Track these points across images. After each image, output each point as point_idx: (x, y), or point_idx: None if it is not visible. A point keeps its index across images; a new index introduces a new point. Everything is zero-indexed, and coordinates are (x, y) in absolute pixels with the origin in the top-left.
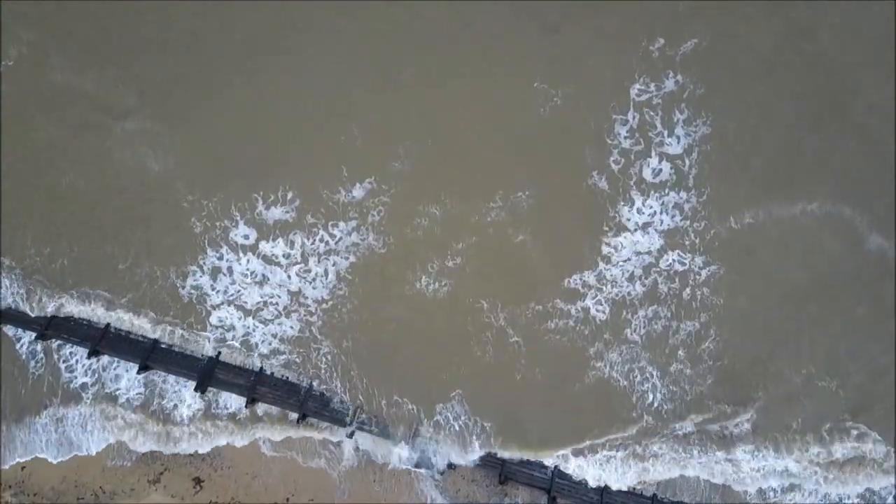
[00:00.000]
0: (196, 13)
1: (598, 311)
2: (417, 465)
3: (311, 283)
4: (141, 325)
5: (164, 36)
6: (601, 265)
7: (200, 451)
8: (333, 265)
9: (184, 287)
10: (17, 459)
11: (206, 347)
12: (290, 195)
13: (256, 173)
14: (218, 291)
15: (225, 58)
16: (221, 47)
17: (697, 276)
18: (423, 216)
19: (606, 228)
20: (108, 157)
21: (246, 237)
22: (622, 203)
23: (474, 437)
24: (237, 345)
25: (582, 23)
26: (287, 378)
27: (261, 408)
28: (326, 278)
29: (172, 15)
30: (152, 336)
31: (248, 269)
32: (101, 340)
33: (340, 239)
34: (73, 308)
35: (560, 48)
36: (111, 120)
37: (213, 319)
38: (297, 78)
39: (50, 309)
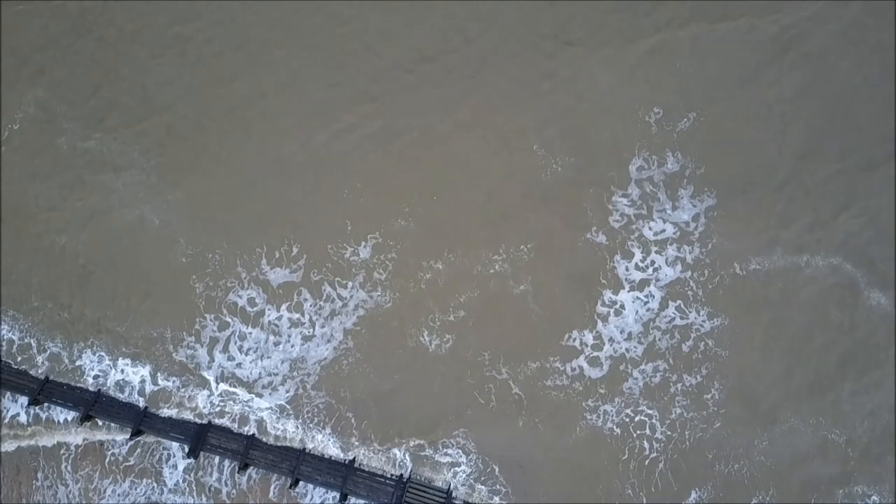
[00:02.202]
0: (200, 72)
1: (595, 367)
2: None
3: (314, 345)
4: (135, 386)
5: (168, 93)
6: (599, 323)
7: None
8: (340, 324)
9: (179, 350)
10: None
11: (198, 411)
12: (294, 250)
13: (260, 228)
14: (215, 358)
15: (229, 114)
16: (225, 104)
17: (700, 328)
18: (426, 270)
19: (605, 281)
20: (109, 217)
21: (252, 300)
22: (621, 258)
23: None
24: (234, 408)
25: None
26: (279, 444)
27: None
28: (331, 335)
29: (176, 73)
30: (145, 400)
31: (249, 339)
32: (94, 405)
33: (349, 299)
34: (71, 365)
35: (560, 113)
36: (113, 179)
37: (209, 386)
38: (301, 136)
39: (44, 368)
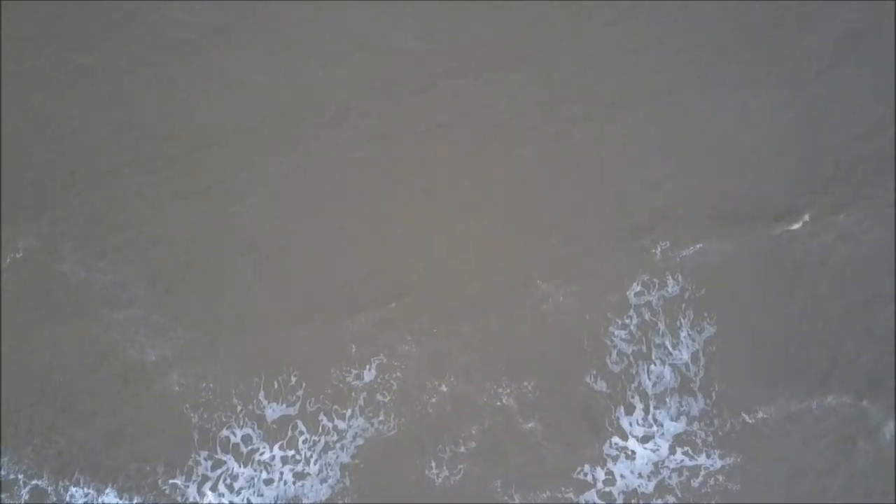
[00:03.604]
0: (202, 202)
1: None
2: None
3: (309, 484)
4: None
5: (171, 226)
6: (609, 461)
7: None
8: (336, 458)
9: (168, 486)
10: None
11: None
12: (293, 379)
13: (259, 357)
14: (206, 497)
15: (230, 246)
16: (227, 235)
17: (710, 467)
18: (431, 393)
19: (611, 429)
20: (107, 353)
21: (247, 438)
22: (624, 413)
23: None
24: None
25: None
26: None
27: None
28: (328, 474)
29: (175, 206)
30: None
31: (241, 478)
32: None
33: (346, 430)
34: (57, 500)
35: (561, 248)
36: (114, 313)
37: None
38: (303, 272)
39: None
